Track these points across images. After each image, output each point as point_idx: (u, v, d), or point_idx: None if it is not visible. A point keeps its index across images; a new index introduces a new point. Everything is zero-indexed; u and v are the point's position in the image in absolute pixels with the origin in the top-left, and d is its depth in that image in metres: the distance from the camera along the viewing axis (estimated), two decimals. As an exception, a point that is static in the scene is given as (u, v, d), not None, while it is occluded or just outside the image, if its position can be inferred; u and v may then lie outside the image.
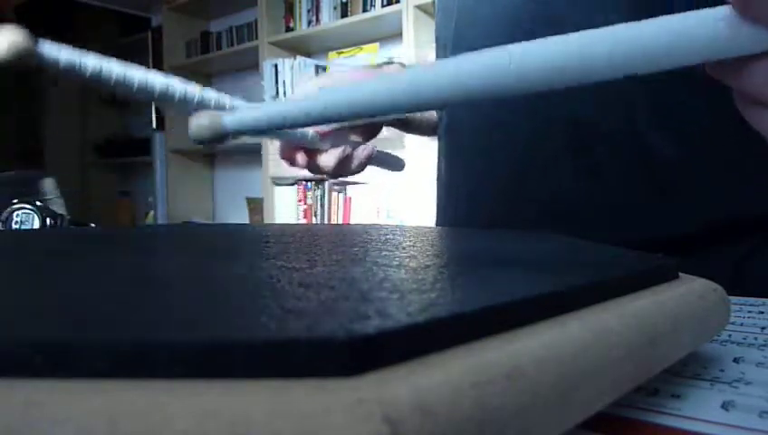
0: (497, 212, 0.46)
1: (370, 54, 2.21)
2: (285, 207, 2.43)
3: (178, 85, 0.34)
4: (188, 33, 2.88)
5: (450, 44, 0.49)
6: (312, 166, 0.46)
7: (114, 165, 3.45)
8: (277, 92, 2.35)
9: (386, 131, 0.54)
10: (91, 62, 0.30)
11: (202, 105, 0.36)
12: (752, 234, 0.39)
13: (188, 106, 0.35)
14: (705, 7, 0.16)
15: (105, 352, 0.10)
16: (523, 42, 0.17)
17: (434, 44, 0.63)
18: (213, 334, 0.10)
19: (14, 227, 0.53)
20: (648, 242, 0.33)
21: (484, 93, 0.17)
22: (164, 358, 0.10)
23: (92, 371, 0.09)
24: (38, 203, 0.54)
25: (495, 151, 0.45)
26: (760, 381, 0.19)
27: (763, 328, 0.25)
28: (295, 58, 2.36)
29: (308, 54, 2.48)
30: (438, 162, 0.55)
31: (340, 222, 2.26)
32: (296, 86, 0.52)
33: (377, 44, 2.22)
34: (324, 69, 2.35)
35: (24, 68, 0.26)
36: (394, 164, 0.53)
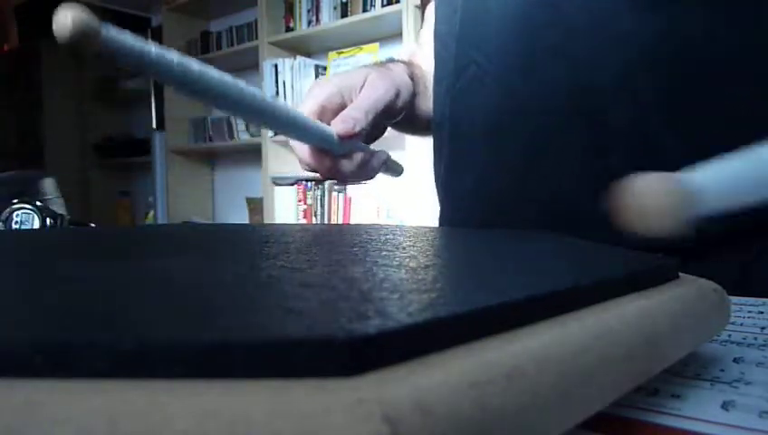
0: (499, 213, 0.46)
1: (370, 54, 2.21)
2: (285, 207, 2.43)
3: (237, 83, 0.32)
4: (188, 33, 2.88)
5: (454, 41, 0.49)
6: (334, 172, 0.46)
7: (114, 165, 3.45)
8: (277, 92, 2.35)
9: (386, 132, 0.54)
10: (155, 50, 0.27)
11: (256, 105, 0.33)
12: (759, 236, 0.39)
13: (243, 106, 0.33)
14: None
15: (105, 352, 0.10)
16: None
17: (421, 39, 0.63)
18: (213, 334, 0.10)
19: (14, 227, 0.53)
20: (652, 246, 0.33)
21: None
22: (164, 358, 0.10)
23: (92, 371, 0.09)
24: (38, 203, 0.54)
25: (499, 153, 0.45)
26: (760, 381, 0.19)
27: (762, 328, 0.25)
28: (295, 58, 2.36)
29: (308, 54, 2.48)
30: (436, 163, 0.55)
31: (340, 222, 2.26)
32: (307, 96, 0.51)
33: (377, 44, 2.22)
34: (324, 69, 2.35)
35: (85, 50, 0.23)
36: (397, 170, 0.54)
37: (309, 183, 2.36)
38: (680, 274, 0.21)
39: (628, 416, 0.16)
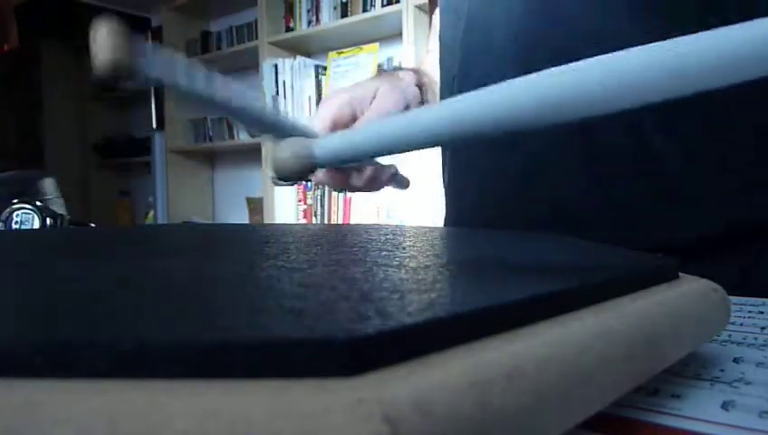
0: (501, 217, 0.46)
1: (371, 54, 2.21)
2: (285, 207, 2.43)
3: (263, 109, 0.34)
4: (188, 33, 2.88)
5: (458, 48, 0.49)
6: (344, 185, 0.47)
7: (114, 165, 3.45)
8: (277, 92, 2.35)
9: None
10: (184, 70, 0.27)
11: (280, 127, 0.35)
12: (759, 238, 0.39)
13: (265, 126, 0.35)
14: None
15: (105, 352, 0.10)
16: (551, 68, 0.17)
17: (429, 46, 0.63)
18: (213, 334, 0.10)
19: (14, 227, 0.53)
20: (653, 249, 0.33)
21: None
22: (164, 358, 0.10)
23: (92, 371, 0.09)
24: (38, 203, 0.54)
25: (501, 158, 0.45)
26: (760, 381, 0.19)
27: (762, 328, 0.25)
28: (295, 58, 2.36)
29: (308, 54, 2.48)
30: (442, 168, 0.55)
31: (340, 222, 2.26)
32: (319, 110, 0.51)
33: (377, 44, 2.22)
34: (324, 69, 2.35)
35: (122, 76, 0.23)
36: (403, 183, 0.54)
37: (309, 183, 2.36)
38: (680, 274, 0.21)
39: (628, 416, 0.16)
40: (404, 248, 0.24)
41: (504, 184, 0.45)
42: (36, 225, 0.53)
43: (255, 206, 2.67)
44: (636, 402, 0.17)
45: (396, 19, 2.05)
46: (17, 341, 0.10)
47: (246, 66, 2.67)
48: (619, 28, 0.38)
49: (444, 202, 0.56)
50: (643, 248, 0.25)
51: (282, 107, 2.32)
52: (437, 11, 0.59)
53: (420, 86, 0.53)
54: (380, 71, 1.79)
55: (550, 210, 0.43)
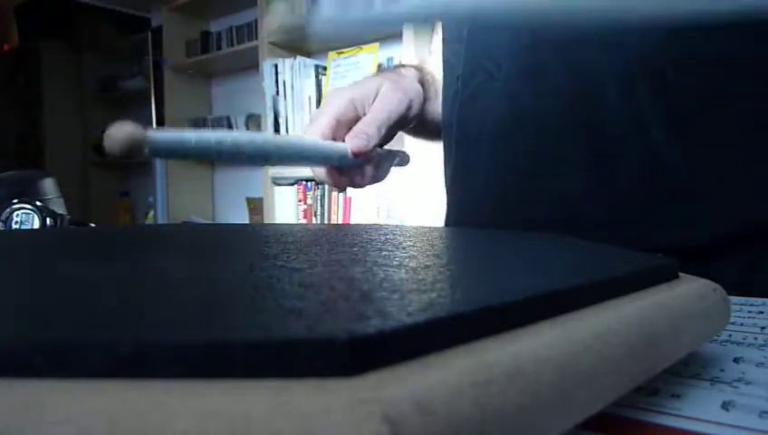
0: (504, 216, 0.46)
1: (371, 54, 2.21)
2: (285, 207, 2.43)
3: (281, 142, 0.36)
4: (188, 33, 2.87)
5: (462, 48, 0.49)
6: (350, 185, 0.47)
7: (114, 165, 3.45)
8: (277, 92, 2.35)
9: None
10: (194, 136, 0.30)
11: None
12: (758, 239, 0.39)
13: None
14: None
15: (105, 353, 0.10)
16: None
17: (431, 46, 0.63)
18: (213, 334, 0.10)
19: (14, 227, 0.53)
20: (653, 249, 0.33)
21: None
22: (164, 358, 0.10)
23: (92, 371, 0.09)
24: (38, 203, 0.54)
25: (505, 157, 0.45)
26: (760, 381, 0.19)
27: (762, 328, 0.25)
28: (295, 58, 2.36)
29: (308, 54, 2.48)
30: (445, 166, 0.55)
31: (340, 222, 2.26)
32: (321, 109, 0.51)
33: (377, 44, 2.22)
34: (324, 69, 2.35)
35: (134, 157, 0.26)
36: (405, 159, 0.54)
37: (309, 183, 2.36)
38: (680, 274, 0.21)
39: (628, 416, 0.16)
40: (404, 248, 0.24)
41: (507, 180, 0.45)
42: (36, 225, 0.53)
43: (255, 206, 2.67)
44: (636, 402, 0.17)
45: (396, 19, 2.05)
46: (17, 341, 0.10)
47: (246, 66, 2.66)
48: (622, 30, 0.38)
49: (445, 201, 0.56)
50: (644, 248, 0.25)
51: (282, 107, 2.32)
52: None
53: (423, 83, 0.53)
54: (381, 70, 1.79)
55: (552, 208, 0.43)
